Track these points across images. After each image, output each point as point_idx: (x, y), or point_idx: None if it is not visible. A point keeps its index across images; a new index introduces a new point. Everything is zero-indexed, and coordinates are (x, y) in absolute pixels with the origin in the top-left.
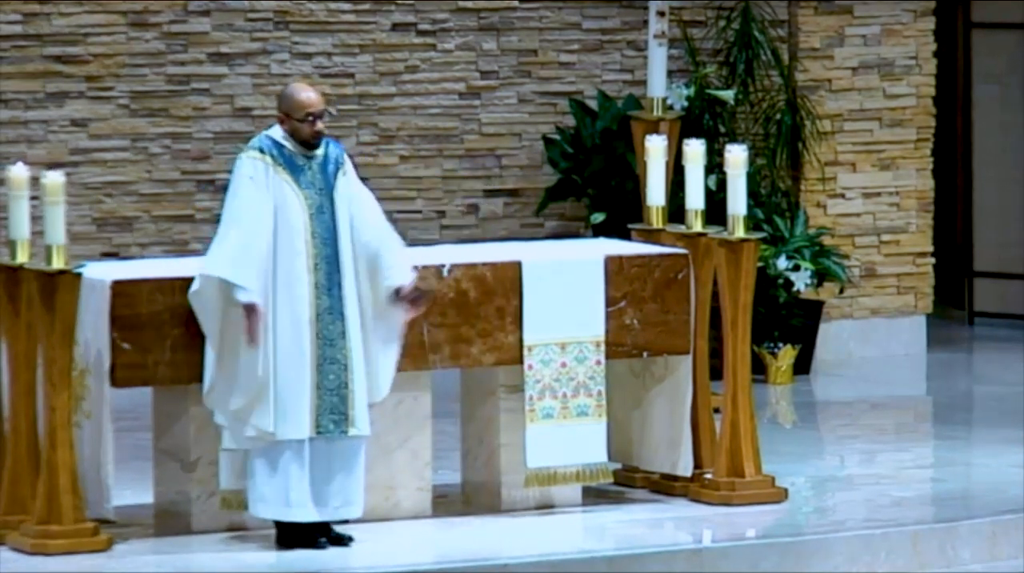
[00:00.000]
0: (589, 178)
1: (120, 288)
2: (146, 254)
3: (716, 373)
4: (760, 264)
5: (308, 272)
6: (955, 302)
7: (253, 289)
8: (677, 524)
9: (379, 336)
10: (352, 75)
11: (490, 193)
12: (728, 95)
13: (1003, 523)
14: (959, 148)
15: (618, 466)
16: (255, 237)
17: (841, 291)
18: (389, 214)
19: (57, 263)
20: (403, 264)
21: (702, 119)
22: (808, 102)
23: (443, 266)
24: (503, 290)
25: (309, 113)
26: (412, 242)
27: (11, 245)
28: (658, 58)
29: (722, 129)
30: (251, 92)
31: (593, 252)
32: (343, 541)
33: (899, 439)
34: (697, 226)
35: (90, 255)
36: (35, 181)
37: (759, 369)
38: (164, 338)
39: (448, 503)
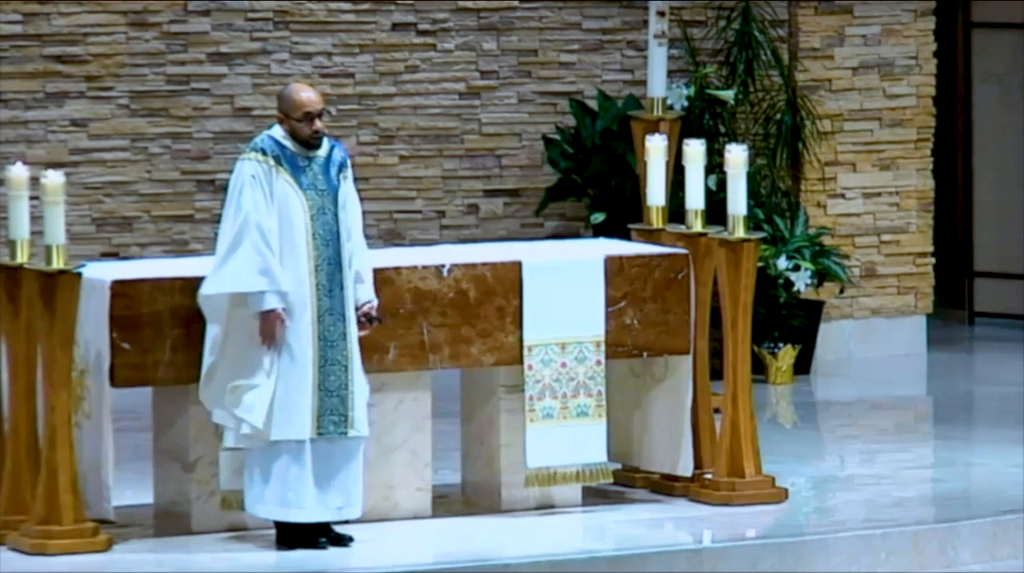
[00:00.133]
0: (589, 178)
1: (120, 288)
2: (146, 254)
3: (716, 373)
4: (760, 264)
5: (309, 273)
6: (955, 302)
7: (276, 293)
8: (677, 524)
9: None
10: (352, 75)
11: (490, 193)
12: (728, 95)
13: (1003, 523)
14: (959, 148)
15: (618, 466)
16: (269, 240)
17: (841, 291)
18: (389, 214)
19: (57, 263)
20: (370, 282)
21: (702, 119)
22: (808, 102)
23: (443, 266)
24: (503, 290)
25: (307, 112)
26: (412, 242)
27: (11, 245)
28: (658, 58)
29: (722, 129)
30: (251, 92)
31: (593, 252)
32: (343, 541)
33: (899, 439)
34: (697, 226)
35: (90, 255)
36: (35, 181)
37: (759, 369)
38: (164, 338)
39: (448, 503)
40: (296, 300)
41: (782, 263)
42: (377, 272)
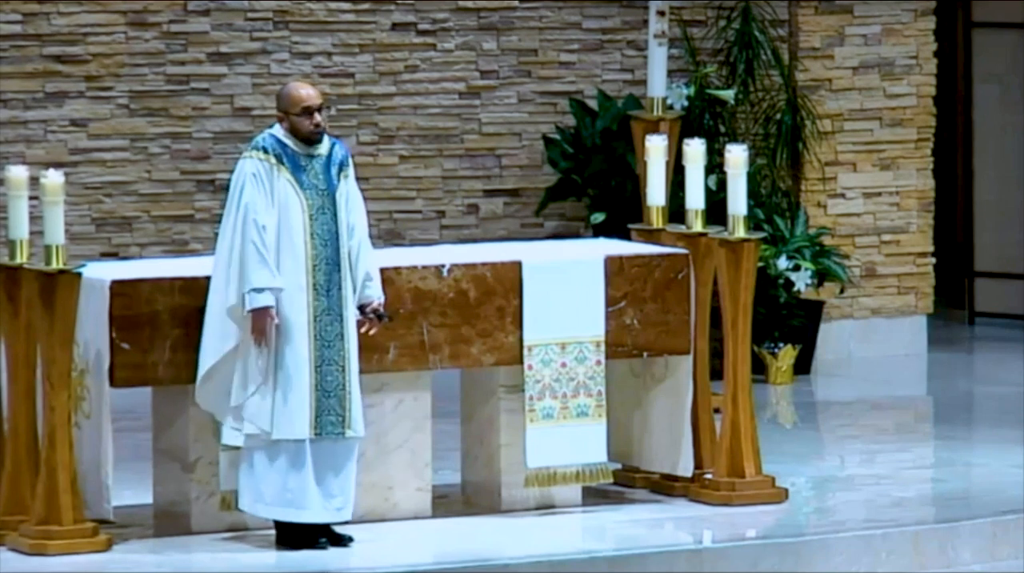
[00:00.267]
0: (589, 178)
1: (120, 288)
2: (145, 254)
3: (716, 373)
4: (760, 264)
5: (307, 273)
6: (955, 302)
7: (270, 291)
8: (677, 524)
9: None
10: (352, 75)
11: (490, 193)
12: (728, 95)
13: (1003, 523)
14: (959, 148)
15: (618, 466)
16: (265, 238)
17: (841, 291)
18: (389, 214)
19: (56, 263)
20: (378, 280)
21: (702, 119)
22: (808, 102)
23: (443, 266)
24: (503, 290)
25: (306, 107)
26: (412, 242)
27: (10, 245)
28: (658, 58)
29: (722, 129)
30: (251, 92)
31: (593, 252)
32: (343, 541)
33: (899, 439)
34: (697, 226)
35: (89, 255)
36: (34, 181)
37: (759, 369)
38: (164, 338)
39: (448, 503)
40: (293, 300)
41: (782, 263)
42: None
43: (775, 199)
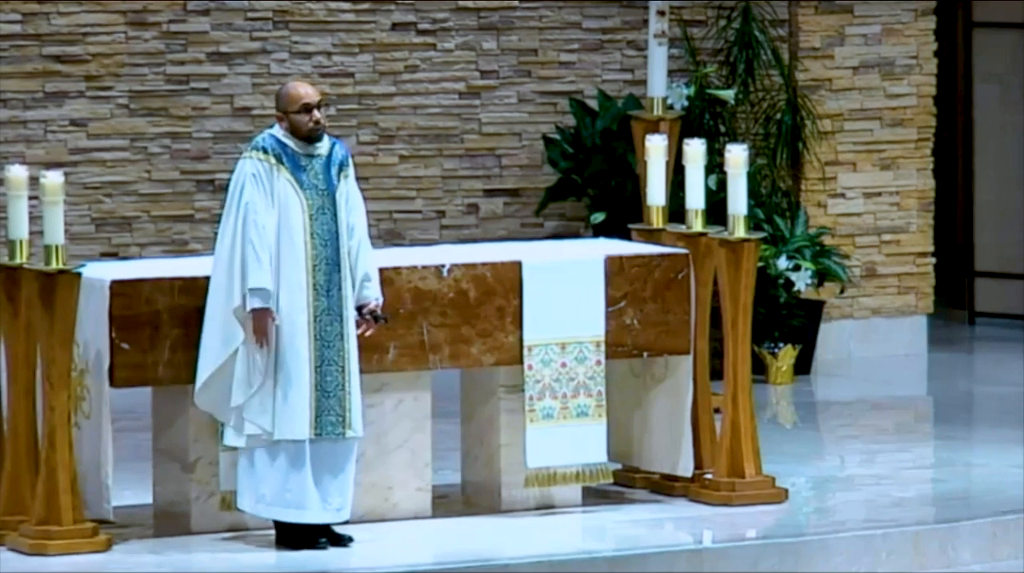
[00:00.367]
0: (589, 178)
1: (119, 288)
2: (145, 254)
3: (716, 373)
4: (760, 264)
5: (307, 273)
6: (956, 302)
7: (271, 292)
8: (677, 524)
9: None
10: (352, 75)
11: (490, 193)
12: (728, 95)
13: (1003, 523)
14: (960, 148)
15: (618, 466)
16: (267, 239)
17: (841, 291)
18: (389, 214)
19: (56, 263)
20: (376, 281)
21: (702, 119)
22: (808, 102)
23: (443, 266)
24: (503, 290)
25: (305, 104)
26: (412, 242)
27: (10, 245)
28: (658, 58)
29: (722, 129)
30: (251, 92)
31: (593, 252)
32: (343, 541)
33: (899, 439)
34: (697, 226)
35: (89, 255)
36: (34, 181)
37: (759, 369)
38: (163, 338)
39: (448, 503)
40: (293, 300)
41: (782, 263)
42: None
43: (775, 199)
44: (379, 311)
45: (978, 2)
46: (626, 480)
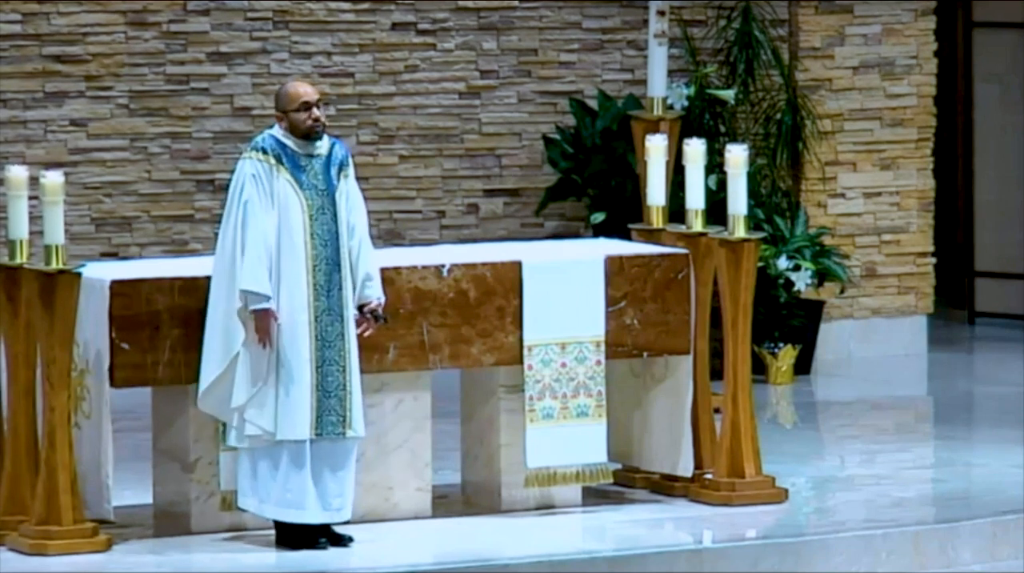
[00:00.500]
0: (589, 178)
1: (119, 288)
2: (145, 254)
3: (716, 373)
4: (760, 264)
5: (307, 273)
6: (956, 302)
7: (271, 294)
8: (677, 524)
9: None
10: (352, 75)
11: (490, 193)
12: (728, 95)
13: (1004, 523)
14: (960, 148)
15: (618, 466)
16: (266, 240)
17: (842, 291)
18: (389, 214)
19: (56, 263)
20: (378, 280)
21: (702, 119)
22: (808, 102)
23: (443, 266)
24: (503, 290)
25: (304, 102)
26: (412, 242)
27: (10, 245)
28: (658, 57)
29: (722, 129)
30: (251, 92)
31: (593, 252)
32: (343, 541)
33: (899, 439)
34: (697, 226)
35: (89, 255)
36: (34, 181)
37: (759, 369)
38: (164, 338)
39: (448, 503)
40: (294, 300)
41: (782, 263)
42: None
43: (775, 199)
44: (380, 311)
45: (978, 2)
46: (626, 480)
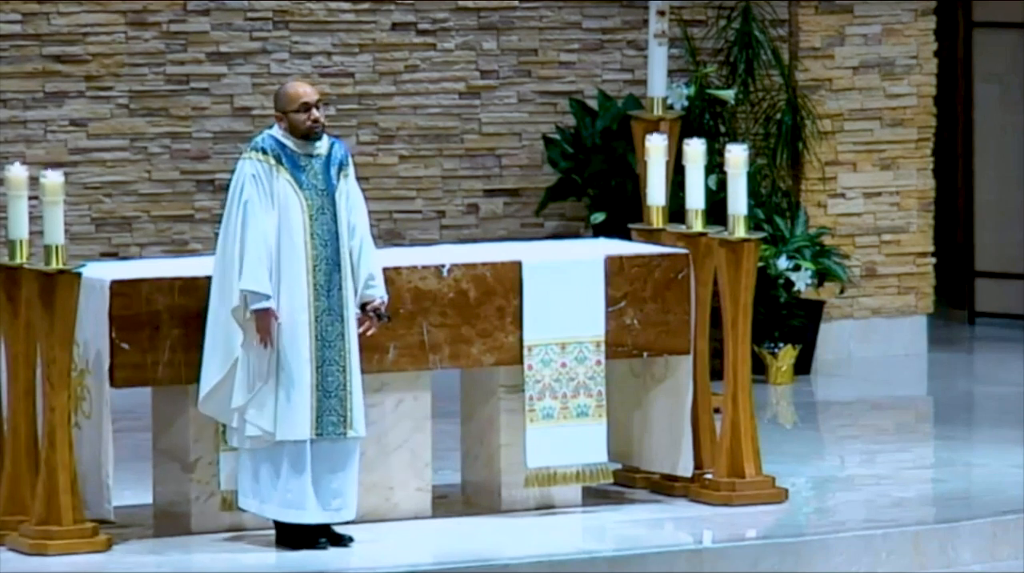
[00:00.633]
0: (589, 178)
1: (119, 288)
2: (145, 254)
3: (716, 373)
4: (760, 264)
5: (307, 273)
6: (956, 302)
7: (271, 294)
8: (677, 524)
9: None
10: (352, 75)
11: (490, 193)
12: (728, 95)
13: (1004, 523)
14: (960, 148)
15: (618, 466)
16: (267, 240)
17: (842, 291)
18: (389, 214)
19: (56, 263)
20: (380, 280)
21: (702, 119)
22: (808, 102)
23: (443, 266)
24: (503, 290)
25: (304, 103)
26: (412, 242)
27: (10, 245)
28: (658, 57)
29: (722, 129)
30: (250, 92)
31: (593, 252)
32: (343, 541)
33: (899, 439)
34: (697, 226)
35: (89, 255)
36: (34, 181)
37: (759, 369)
38: (164, 338)
39: (448, 503)
40: (294, 300)
41: (782, 263)
42: None
43: (775, 199)
44: (383, 310)
45: (978, 2)
46: (626, 480)
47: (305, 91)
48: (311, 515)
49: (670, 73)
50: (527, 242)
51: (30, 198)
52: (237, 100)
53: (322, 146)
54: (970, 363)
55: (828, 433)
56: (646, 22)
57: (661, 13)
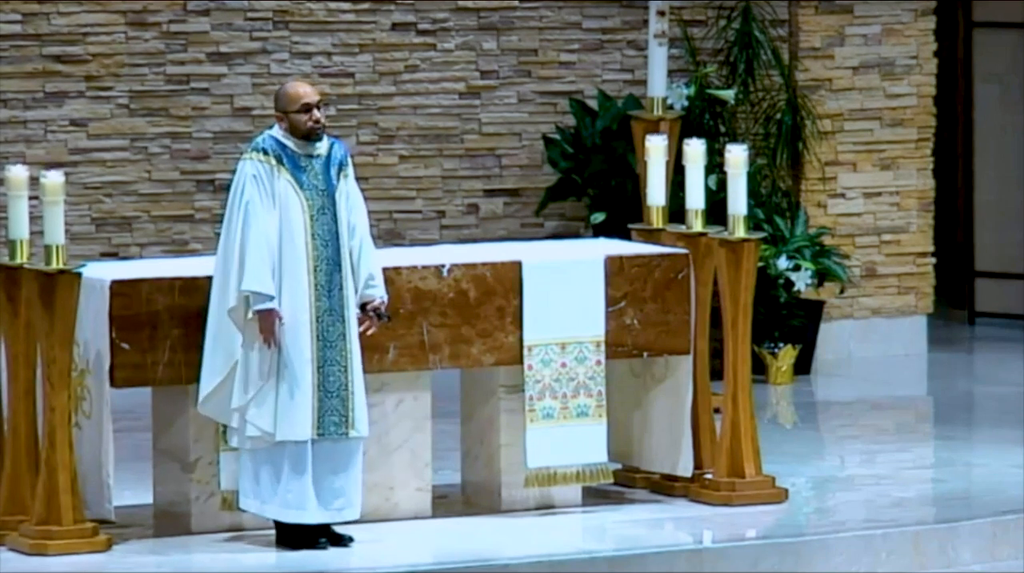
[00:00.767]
0: (589, 178)
1: (119, 288)
2: (145, 254)
3: (716, 373)
4: (760, 264)
5: (308, 273)
6: (956, 302)
7: (275, 294)
8: (677, 524)
9: None
10: (352, 75)
11: (490, 193)
12: (728, 95)
13: (1003, 523)
14: (960, 148)
15: (618, 466)
16: (269, 240)
17: (841, 291)
18: (389, 214)
19: (56, 263)
20: (381, 280)
21: (702, 119)
22: (808, 102)
23: (443, 266)
24: (503, 290)
25: (305, 103)
26: (412, 242)
27: (11, 245)
28: (658, 58)
29: (722, 129)
30: (251, 92)
31: (593, 252)
32: (343, 541)
33: (899, 439)
34: (697, 226)
35: (89, 255)
36: (34, 181)
37: (759, 369)
38: (164, 338)
39: (448, 503)
40: (295, 300)
41: (782, 263)
42: None
43: (775, 199)
44: (383, 309)
45: (978, 2)
46: (626, 480)
47: (306, 92)
48: (312, 515)
49: (670, 73)
50: (527, 242)
51: (30, 198)
52: (237, 100)
53: (322, 146)
54: (970, 363)
55: (828, 433)
56: (646, 22)
57: (661, 13)
